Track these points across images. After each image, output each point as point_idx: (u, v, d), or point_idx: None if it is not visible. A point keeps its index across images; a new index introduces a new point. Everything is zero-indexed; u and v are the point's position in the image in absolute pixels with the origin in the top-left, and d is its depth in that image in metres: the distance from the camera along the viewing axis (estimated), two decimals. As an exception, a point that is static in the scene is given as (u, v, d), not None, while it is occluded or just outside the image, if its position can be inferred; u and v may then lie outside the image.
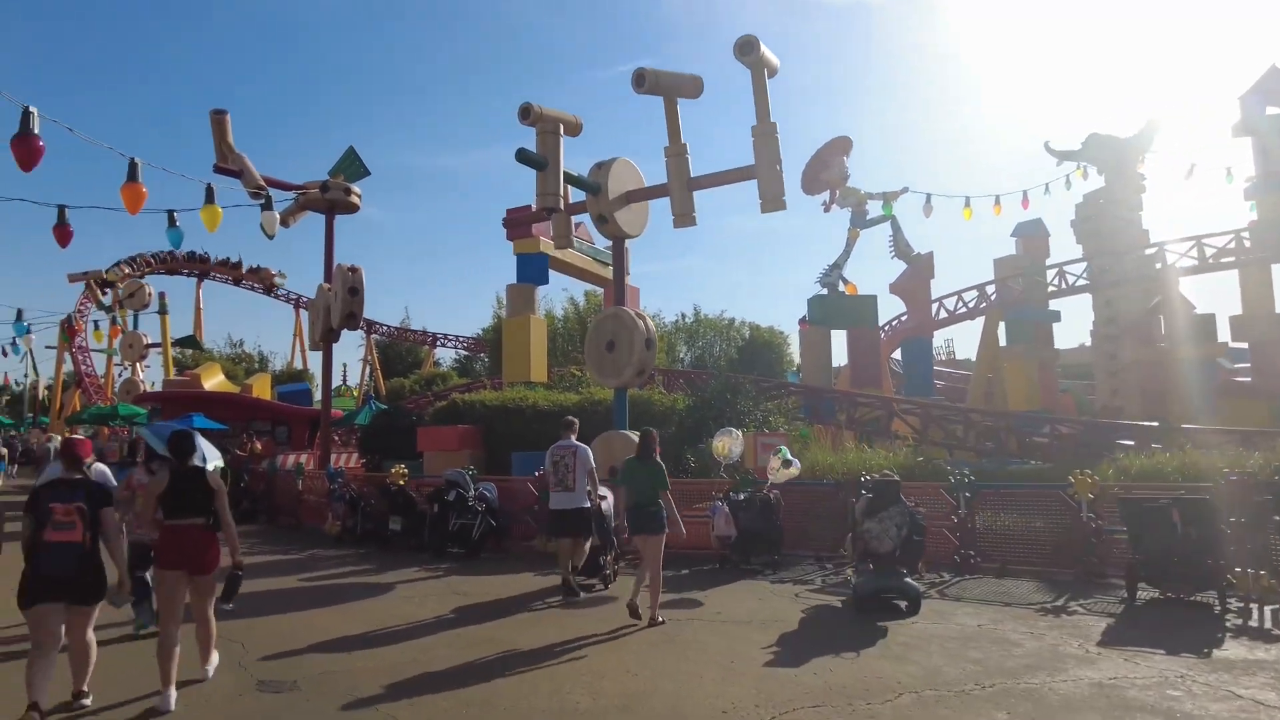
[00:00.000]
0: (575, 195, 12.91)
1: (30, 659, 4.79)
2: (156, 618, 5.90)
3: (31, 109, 9.91)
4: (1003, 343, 25.68)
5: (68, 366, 42.96)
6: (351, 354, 69.54)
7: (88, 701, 5.11)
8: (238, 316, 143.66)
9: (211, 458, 6.52)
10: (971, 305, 27.10)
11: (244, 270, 42.70)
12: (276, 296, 52.47)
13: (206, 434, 20.40)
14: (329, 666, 6.05)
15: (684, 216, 12.30)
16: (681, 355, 41.43)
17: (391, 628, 7.34)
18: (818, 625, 7.42)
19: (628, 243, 14.01)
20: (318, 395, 27.93)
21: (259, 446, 18.53)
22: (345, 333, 17.50)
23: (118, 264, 33.59)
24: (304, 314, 54.64)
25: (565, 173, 11.97)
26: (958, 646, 6.42)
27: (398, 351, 64.82)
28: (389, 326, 56.43)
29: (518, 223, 21.29)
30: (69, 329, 25.35)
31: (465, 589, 9.16)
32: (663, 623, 7.30)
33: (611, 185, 12.58)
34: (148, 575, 6.63)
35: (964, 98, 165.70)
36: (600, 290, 27.73)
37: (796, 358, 37.28)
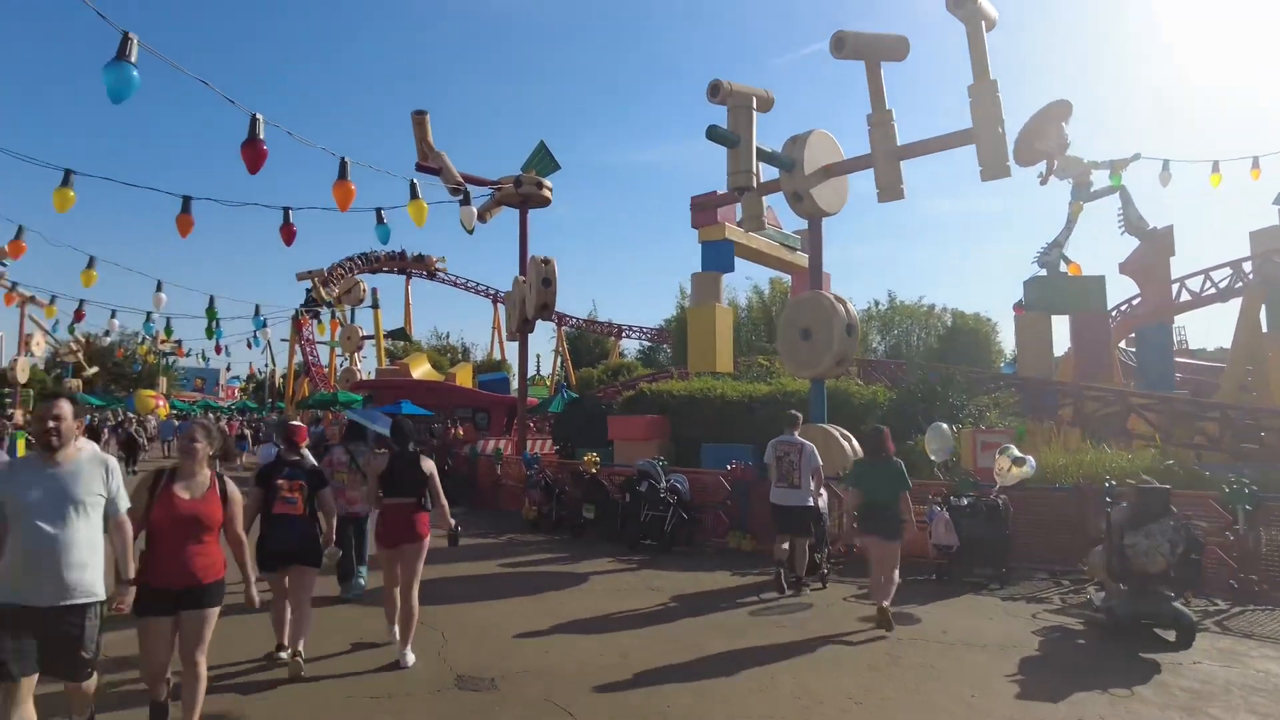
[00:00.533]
0: (767, 175, 12.23)
1: (273, 609, 5.87)
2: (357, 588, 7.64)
3: (258, 116, 10.67)
4: (1264, 328, 22.04)
5: (300, 357, 47.95)
6: (544, 345, 72.56)
7: (301, 659, 5.55)
8: (442, 310, 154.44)
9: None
10: (1223, 285, 23.48)
11: (408, 259, 45.45)
12: (472, 289, 55.67)
13: (414, 419, 21.56)
14: (527, 664, 5.86)
15: (890, 189, 11.28)
16: (875, 345, 39.42)
17: (588, 622, 7.11)
18: (1064, 652, 6.36)
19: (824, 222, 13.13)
20: (514, 384, 29.10)
21: (461, 432, 19.39)
22: (538, 324, 17.87)
23: (335, 265, 37.10)
24: (501, 307, 57.78)
25: (758, 148, 11.31)
26: (1270, 704, 5.16)
27: (586, 342, 66.90)
28: (578, 319, 58.23)
29: (703, 208, 20.84)
30: (297, 323, 27.97)
31: (659, 584, 8.83)
32: (886, 635, 6.69)
33: (807, 160, 11.77)
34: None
35: (1209, 47, 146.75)
36: (787, 277, 26.76)
37: (1006, 346, 34.30)
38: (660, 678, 5.60)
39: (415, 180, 13.84)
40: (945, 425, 11.33)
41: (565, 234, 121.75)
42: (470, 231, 17.06)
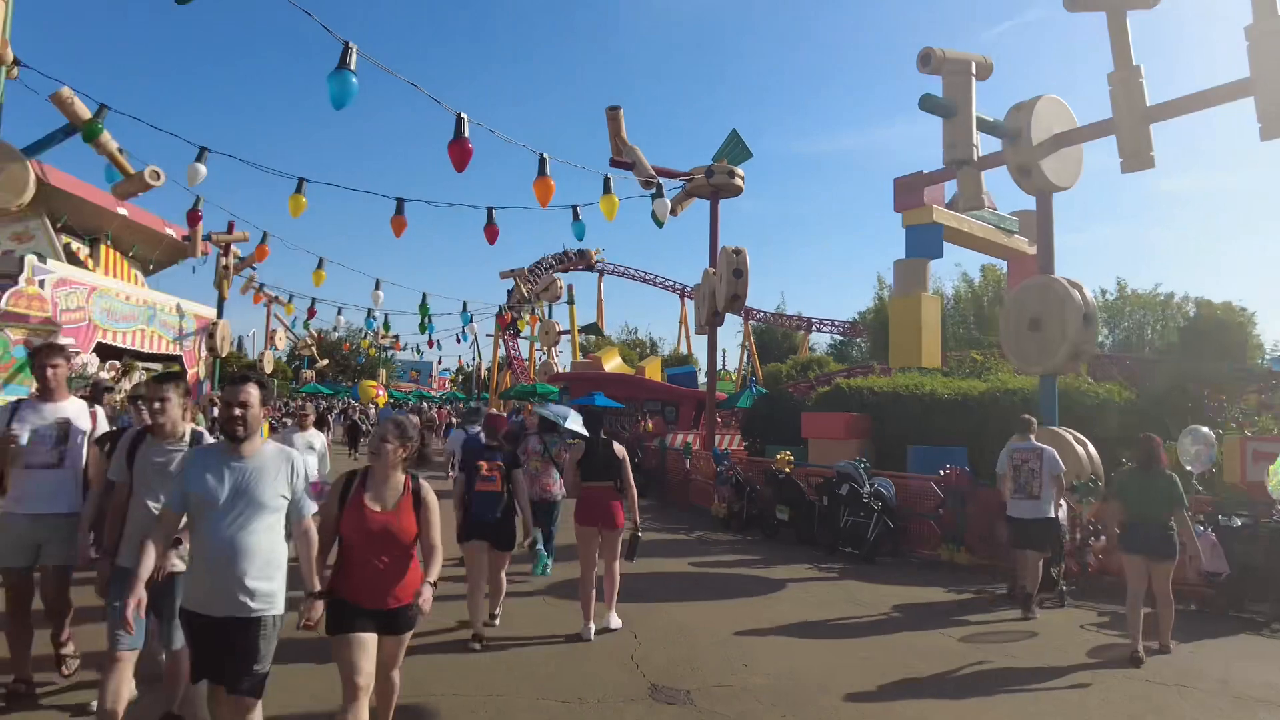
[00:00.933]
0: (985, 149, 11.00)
1: (469, 592, 6.07)
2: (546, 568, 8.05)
3: (463, 115, 10.98)
4: None
5: (503, 351, 50.64)
6: (730, 340, 71.98)
7: (496, 622, 6.27)
8: (633, 306, 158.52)
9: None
10: None
11: (572, 254, 46.04)
12: (660, 285, 56.20)
13: (606, 411, 21.80)
14: (722, 678, 5.41)
15: (1137, 156, 9.72)
16: (1102, 339, 35.29)
17: (785, 635, 6.55)
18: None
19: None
20: (702, 378, 28.85)
21: (650, 425, 19.36)
22: (727, 317, 17.42)
23: (534, 264, 38.80)
24: (689, 302, 58.01)
25: (978, 118, 10.15)
26: None
27: (773, 336, 65.70)
28: (765, 312, 57.25)
29: (909, 189, 19.47)
30: (500, 318, 29.34)
31: (863, 597, 8.09)
32: (1141, 662, 5.86)
33: (1035, 129, 10.44)
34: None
35: None
36: (1002, 264, 24.57)
37: (1265, 339, 29.60)
38: (865, 706, 4.97)
39: (608, 175, 13.87)
40: (1207, 430, 9.67)
41: (754, 227, 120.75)
42: (661, 225, 16.94)
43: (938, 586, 8.61)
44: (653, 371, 24.58)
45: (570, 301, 34.34)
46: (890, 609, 7.59)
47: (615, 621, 6.39)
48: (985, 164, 11.13)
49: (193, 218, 17.44)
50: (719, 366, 50.52)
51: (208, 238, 26.55)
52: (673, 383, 24.25)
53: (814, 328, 54.39)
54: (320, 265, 20.80)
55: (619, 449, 6.50)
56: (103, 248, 35.84)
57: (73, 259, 33.70)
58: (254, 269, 28.37)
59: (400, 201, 15.83)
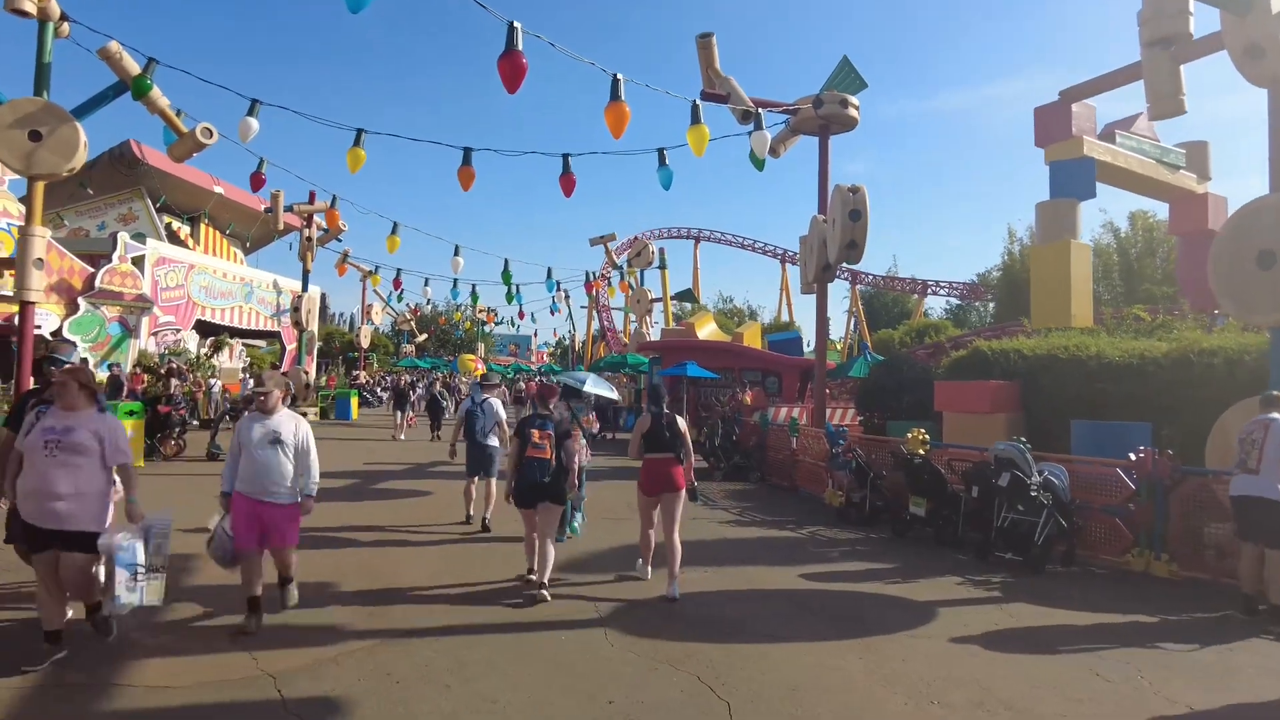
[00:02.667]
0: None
1: (526, 542, 6.75)
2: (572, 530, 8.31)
3: (516, 24, 9.13)
4: None
5: (596, 323, 49.35)
6: (834, 306, 68.31)
7: (546, 592, 6.26)
8: (729, 274, 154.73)
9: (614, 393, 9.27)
10: None
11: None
12: (759, 250, 53.49)
13: (699, 382, 19.80)
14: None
15: None
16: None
17: (945, 694, 4.45)
18: None
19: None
20: (808, 345, 26.35)
21: (749, 397, 17.25)
22: (838, 272, 15.09)
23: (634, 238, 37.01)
24: (790, 268, 55.14)
25: (1192, -18, 7.53)
26: None
27: (883, 302, 61.90)
28: (875, 276, 53.70)
29: (1054, 119, 16.48)
30: (589, 286, 27.73)
31: (1038, 623, 5.96)
32: None
33: (1271, -3, 7.71)
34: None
35: None
36: (1157, 209, 21.11)
37: None
38: None
39: (697, 101, 11.77)
40: None
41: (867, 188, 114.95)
42: (761, 165, 14.68)
43: (1142, 613, 6.29)
44: (752, 338, 22.29)
45: (663, 266, 32.31)
46: (1089, 647, 5.37)
47: (676, 590, 6.40)
48: (1193, 51, 8.46)
49: (256, 181, 16.34)
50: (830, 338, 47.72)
51: (289, 209, 25.98)
52: (774, 350, 21.90)
53: (930, 290, 50.53)
54: (394, 230, 19.57)
55: (681, 422, 6.89)
56: (202, 226, 36.14)
57: (174, 238, 34.00)
58: (340, 239, 27.72)
59: (467, 151, 14.20)
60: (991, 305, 64.11)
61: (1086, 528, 8.28)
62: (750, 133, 14.17)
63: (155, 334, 28.89)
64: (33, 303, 13.26)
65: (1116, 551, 8.02)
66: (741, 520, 10.11)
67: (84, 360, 22.36)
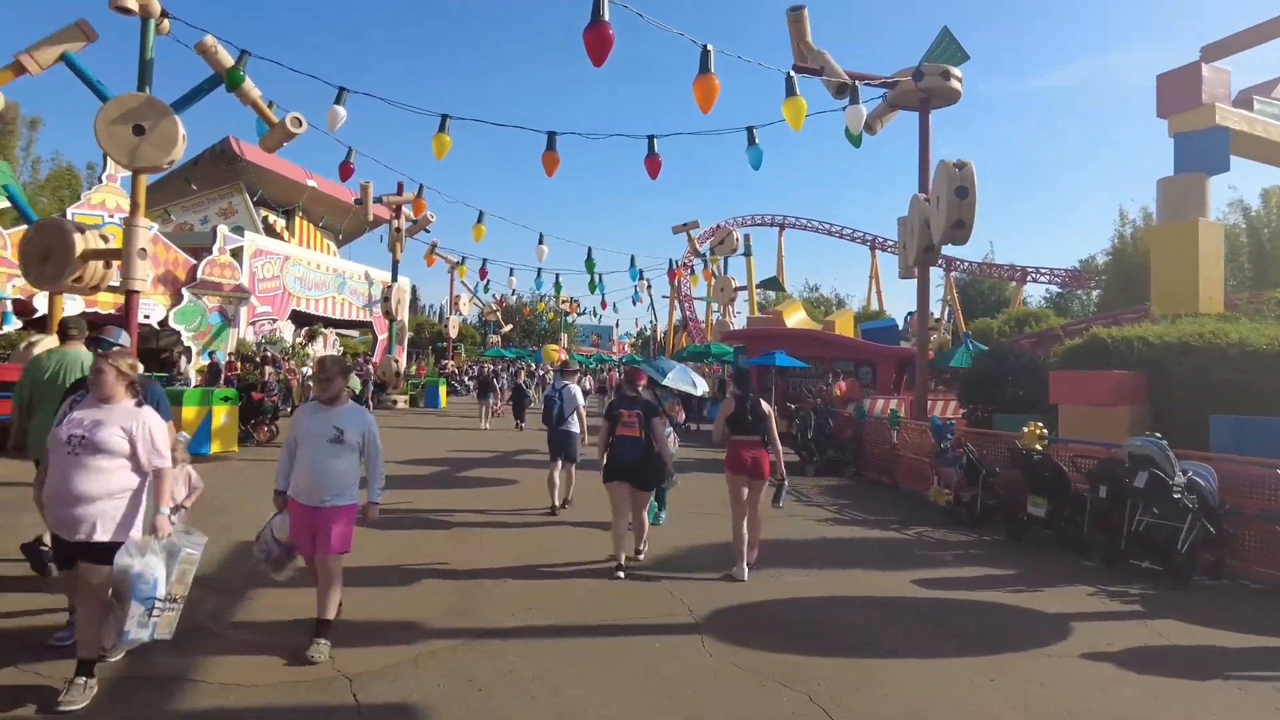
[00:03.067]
0: None
1: (614, 530, 6.65)
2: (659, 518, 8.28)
3: (602, -7, 8.72)
4: None
5: (679, 313, 48.88)
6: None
7: (641, 557, 6.81)
8: (815, 263, 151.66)
9: (700, 385, 10.25)
10: None
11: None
12: (847, 237, 51.95)
13: (788, 372, 19.13)
14: None
15: None
16: None
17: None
18: None
19: None
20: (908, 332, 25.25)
21: (843, 388, 16.50)
22: (941, 254, 14.17)
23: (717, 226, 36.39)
24: (880, 254, 53.35)
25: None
26: None
27: (979, 290, 59.26)
28: (970, 263, 51.42)
29: (1181, 87, 15.16)
30: (672, 274, 27.26)
31: (1191, 643, 5.22)
32: None
33: None
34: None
35: None
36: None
37: None
38: None
39: (792, 73, 11.19)
40: None
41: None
42: (858, 141, 13.94)
43: (1320, 637, 5.46)
44: (844, 326, 21.37)
45: (748, 253, 31.55)
46: (1261, 674, 4.63)
47: (744, 574, 6.50)
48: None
49: (345, 170, 16.51)
50: (907, 326, 46.07)
51: (379, 200, 26.42)
52: (868, 339, 20.97)
53: (1029, 278, 48.04)
54: (480, 219, 19.57)
55: (766, 406, 6.83)
56: (297, 219, 37.30)
57: (270, 231, 35.22)
58: (429, 230, 28.06)
59: (551, 135, 13.97)
60: (1096, 293, 60.72)
61: (1238, 536, 7.37)
62: (845, 108, 13.46)
63: (253, 323, 29.95)
64: (138, 292, 13.71)
65: (1276, 564, 7.11)
66: (840, 519, 9.51)
67: (177, 347, 23.42)
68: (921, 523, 9.39)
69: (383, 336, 37.19)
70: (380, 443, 4.82)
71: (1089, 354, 12.08)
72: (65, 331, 5.93)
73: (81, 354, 5.63)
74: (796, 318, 21.74)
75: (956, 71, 14.04)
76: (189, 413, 12.35)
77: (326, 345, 34.94)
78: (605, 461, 6.68)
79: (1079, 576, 7.00)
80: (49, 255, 13.79)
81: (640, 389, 7.01)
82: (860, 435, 13.41)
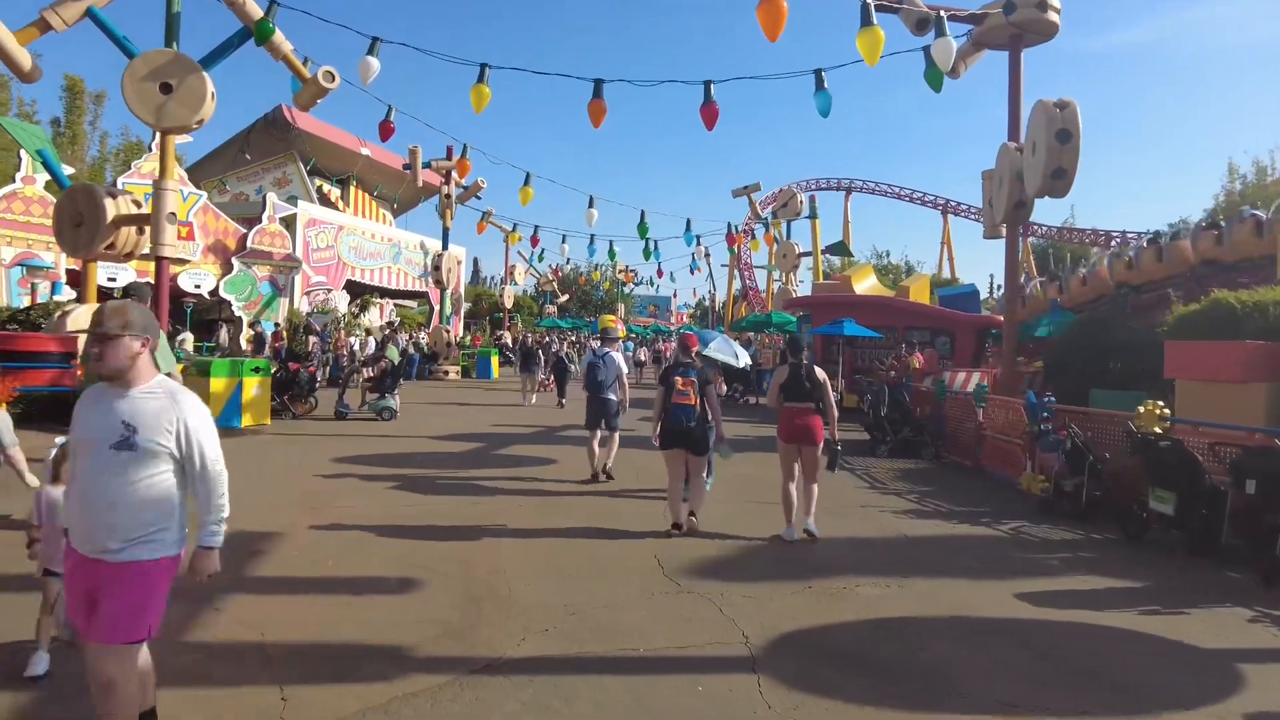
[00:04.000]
0: None
1: (670, 497, 6.88)
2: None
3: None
4: None
5: (738, 282, 47.39)
6: (1000, 262, 62.60)
7: (696, 520, 6.78)
8: (882, 230, 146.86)
9: (742, 357, 11.17)
10: None
11: None
12: (917, 201, 49.53)
13: (856, 343, 17.75)
14: None
15: None
16: None
17: None
18: None
19: None
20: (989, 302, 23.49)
21: (919, 360, 15.08)
22: (993, 243, 12.60)
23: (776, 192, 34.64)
24: (952, 219, 50.70)
25: None
26: None
27: (1059, 257, 55.97)
28: (1048, 228, 48.41)
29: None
30: (730, 238, 25.91)
31: None
32: None
33: None
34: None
35: None
36: None
37: None
38: None
39: (868, 1, 9.82)
40: None
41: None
42: (939, 83, 12.44)
43: None
44: (918, 293, 19.66)
45: (813, 216, 29.89)
46: None
47: (814, 527, 6.62)
48: None
49: (385, 130, 15.69)
50: (985, 294, 43.59)
51: (428, 166, 25.66)
52: (946, 305, 19.26)
53: (1115, 242, 44.89)
54: (527, 181, 18.61)
55: (820, 373, 6.84)
56: (352, 188, 36.97)
57: (325, 201, 34.92)
58: (480, 197, 27.26)
59: (598, 83, 12.85)
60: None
61: None
62: (928, 46, 11.97)
63: (308, 293, 29.74)
64: (168, 258, 13.18)
65: None
66: (921, 510, 8.29)
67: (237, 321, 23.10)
68: (1015, 515, 8.12)
69: (438, 307, 36.82)
70: (218, 449, 2.91)
71: (1210, 322, 10.53)
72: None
73: None
74: (866, 283, 20.16)
75: (1055, 3, 12.35)
76: (217, 385, 11.76)
77: (383, 315, 34.67)
78: (660, 428, 6.83)
79: (1229, 594, 5.69)
80: (81, 221, 13.37)
81: (695, 355, 7.11)
82: (940, 413, 12.06)
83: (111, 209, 13.05)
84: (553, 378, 18.07)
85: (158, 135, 22.79)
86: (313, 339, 19.15)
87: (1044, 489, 8.68)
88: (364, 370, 14.87)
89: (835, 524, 7.22)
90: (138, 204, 13.46)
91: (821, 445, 6.72)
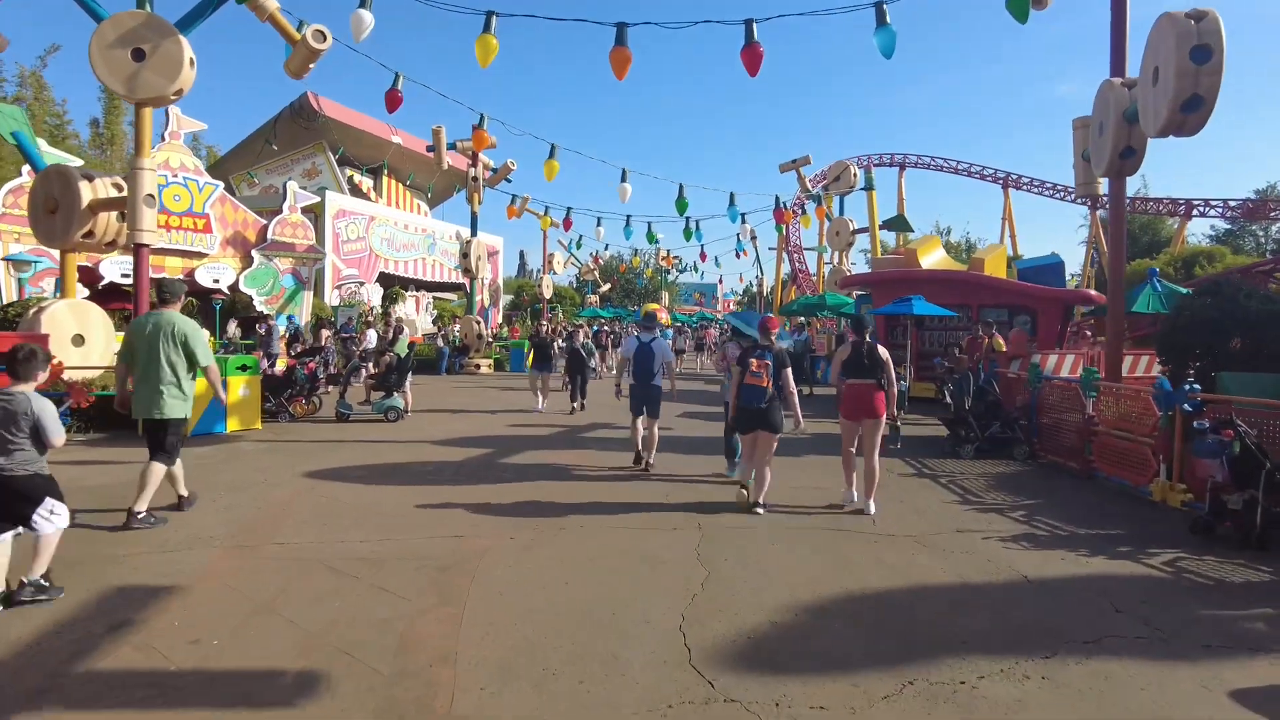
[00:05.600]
0: None
1: (744, 469, 6.99)
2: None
3: None
4: None
5: (787, 265, 45.20)
6: (1065, 235, 59.50)
7: (761, 509, 6.77)
8: (939, 207, 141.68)
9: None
10: None
11: None
12: (975, 175, 46.61)
13: (926, 324, 15.75)
14: None
15: None
16: None
17: None
18: None
19: None
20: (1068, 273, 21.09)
21: (1002, 342, 13.02)
22: (1055, 220, 10.51)
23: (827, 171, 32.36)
24: (1014, 194, 47.61)
25: None
26: None
27: (1129, 229, 52.36)
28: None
29: None
30: (779, 214, 23.92)
31: None
32: None
33: None
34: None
35: None
36: None
37: None
38: None
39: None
40: None
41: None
42: (1024, 13, 10.49)
43: None
44: (995, 266, 17.27)
45: (869, 187, 27.68)
46: None
47: (873, 508, 6.81)
48: None
49: (392, 100, 14.19)
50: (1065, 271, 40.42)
51: (452, 146, 24.17)
52: (1025, 280, 16.93)
53: (1196, 212, 41.49)
54: (552, 154, 16.96)
55: (882, 350, 6.98)
56: (384, 179, 35.81)
57: (356, 192, 33.78)
58: (510, 180, 25.75)
59: (621, 28, 11.13)
60: (1259, 232, 52.75)
61: None
62: (1014, -38, 9.97)
63: (339, 286, 28.64)
64: (147, 245, 11.87)
65: None
66: (1035, 534, 6.40)
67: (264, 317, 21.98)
68: (1162, 541, 6.18)
69: (479, 298, 35.56)
70: None
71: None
72: (160, 294, 6.44)
73: (174, 317, 6.23)
74: (934, 257, 17.96)
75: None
76: (198, 385, 10.37)
77: (419, 308, 33.51)
78: (734, 411, 7.03)
79: None
80: (56, 207, 12.13)
81: (773, 338, 7.14)
82: (1036, 404, 10.06)
83: (88, 192, 11.78)
84: (565, 377, 14.27)
85: (172, 122, 21.77)
86: (325, 333, 17.79)
87: (1183, 500, 6.75)
88: (369, 366, 13.36)
89: (929, 562, 5.42)
90: (119, 187, 12.17)
91: (884, 419, 6.91)
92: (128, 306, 27.34)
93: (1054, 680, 3.65)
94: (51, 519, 4.34)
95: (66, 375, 9.79)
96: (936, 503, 7.39)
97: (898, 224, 25.75)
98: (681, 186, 19.28)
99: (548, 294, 41.50)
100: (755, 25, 10.89)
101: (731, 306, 71.86)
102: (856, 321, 7.54)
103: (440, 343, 24.78)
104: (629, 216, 24.33)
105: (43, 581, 4.34)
